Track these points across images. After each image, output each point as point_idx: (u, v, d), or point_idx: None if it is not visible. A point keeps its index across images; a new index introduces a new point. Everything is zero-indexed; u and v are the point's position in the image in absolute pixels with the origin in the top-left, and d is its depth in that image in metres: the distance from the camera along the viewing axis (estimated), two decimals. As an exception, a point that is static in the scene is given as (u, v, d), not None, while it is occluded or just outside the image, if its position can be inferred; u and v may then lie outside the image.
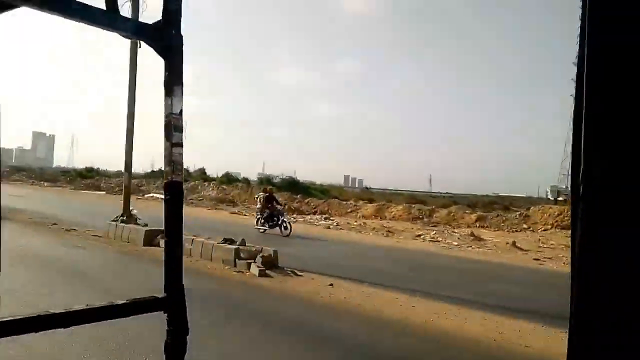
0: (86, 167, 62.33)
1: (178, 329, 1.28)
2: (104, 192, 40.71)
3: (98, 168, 63.44)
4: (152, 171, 53.52)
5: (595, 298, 0.72)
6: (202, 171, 50.90)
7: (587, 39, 0.74)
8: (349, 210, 30.22)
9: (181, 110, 1.26)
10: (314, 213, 29.68)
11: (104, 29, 1.23)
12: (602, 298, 0.71)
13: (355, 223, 23.97)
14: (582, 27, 0.75)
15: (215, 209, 29.26)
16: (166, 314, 1.27)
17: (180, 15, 1.28)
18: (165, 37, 1.28)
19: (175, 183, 1.27)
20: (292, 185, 39.98)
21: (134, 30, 1.29)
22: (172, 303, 1.27)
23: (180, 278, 1.28)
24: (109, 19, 1.21)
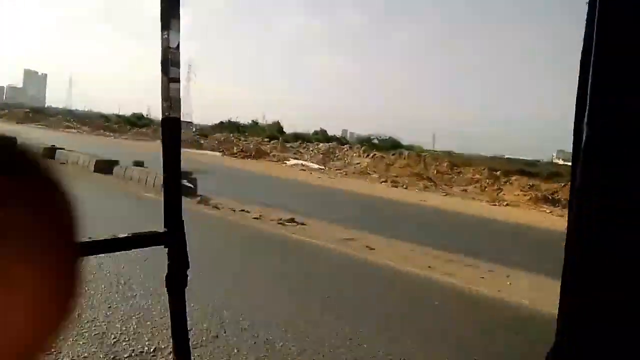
0: (134, 114, 49.45)
1: (179, 263, 1.32)
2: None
3: (148, 115, 50.18)
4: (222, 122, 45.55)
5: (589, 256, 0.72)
6: (278, 126, 42.25)
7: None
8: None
9: (179, 44, 1.23)
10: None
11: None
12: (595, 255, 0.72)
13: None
14: None
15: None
16: (167, 249, 1.30)
17: (176, -57, 1.22)
18: (160, -32, 1.23)
19: (172, 119, 1.26)
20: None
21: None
22: (173, 238, 1.29)
23: (180, 214, 1.30)
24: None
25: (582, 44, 0.76)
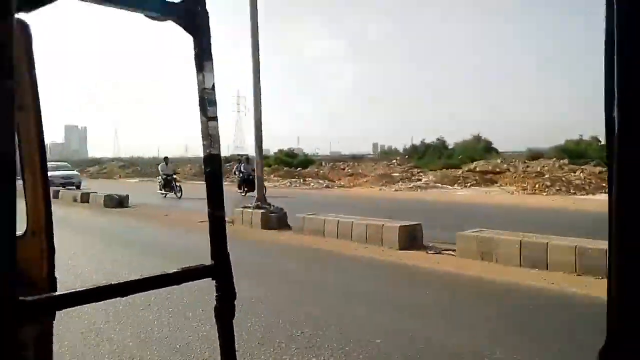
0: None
1: (226, 295, 1.36)
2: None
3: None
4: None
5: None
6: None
7: None
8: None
9: (213, 85, 1.30)
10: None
11: (130, 11, 1.27)
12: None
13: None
14: None
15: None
16: (214, 281, 1.34)
17: (205, -9, 1.31)
18: (192, 15, 1.31)
19: (213, 156, 1.32)
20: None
21: (160, 9, 1.32)
22: (220, 270, 1.34)
23: (225, 246, 1.35)
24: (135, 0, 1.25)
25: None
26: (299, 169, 36.12)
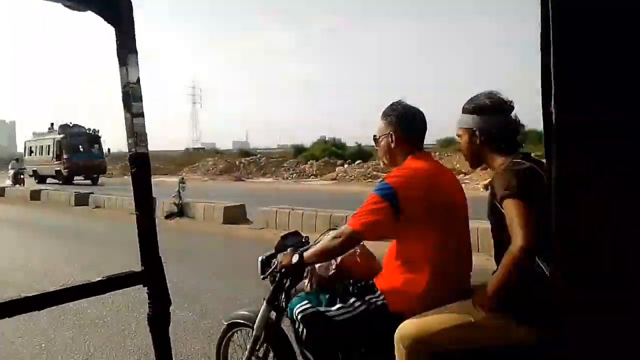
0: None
1: (160, 301, 1.29)
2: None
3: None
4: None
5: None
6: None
7: None
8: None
9: (138, 79, 1.22)
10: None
11: (48, 0, 1.17)
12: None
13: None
14: None
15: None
16: (146, 287, 1.27)
17: (127, -20, 1.22)
18: (114, 5, 1.22)
19: (140, 155, 1.24)
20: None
21: (80, 0, 1.22)
22: (151, 276, 1.26)
23: (157, 250, 1.27)
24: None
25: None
26: (358, 161, 29.80)
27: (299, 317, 2.10)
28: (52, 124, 30.88)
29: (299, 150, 39.72)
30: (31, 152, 31.58)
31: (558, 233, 0.74)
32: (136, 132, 1.22)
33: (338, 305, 2.03)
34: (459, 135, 2.04)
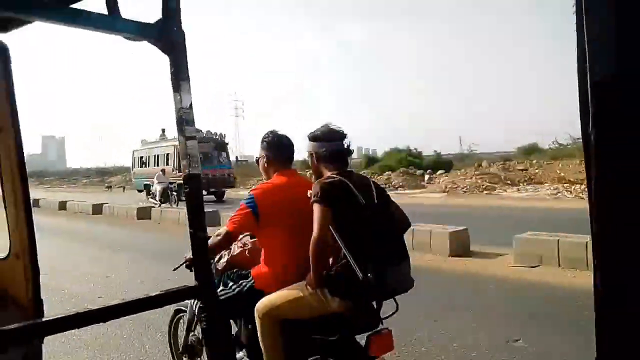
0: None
1: (212, 313, 1.35)
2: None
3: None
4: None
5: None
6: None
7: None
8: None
9: (191, 104, 1.29)
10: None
11: (105, 33, 1.25)
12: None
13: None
14: None
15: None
16: (200, 301, 1.33)
17: (180, 11, 1.30)
18: (167, 35, 1.30)
19: (193, 175, 1.31)
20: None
21: (136, 31, 1.30)
22: (204, 290, 1.33)
23: (209, 266, 1.34)
24: (109, 22, 1.24)
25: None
26: (439, 171, 27.89)
27: None
28: (163, 130, 26.24)
29: (371, 160, 38.26)
30: (142, 163, 25.97)
31: (598, 247, 0.75)
32: (189, 154, 1.29)
33: (220, 288, 2.56)
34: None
